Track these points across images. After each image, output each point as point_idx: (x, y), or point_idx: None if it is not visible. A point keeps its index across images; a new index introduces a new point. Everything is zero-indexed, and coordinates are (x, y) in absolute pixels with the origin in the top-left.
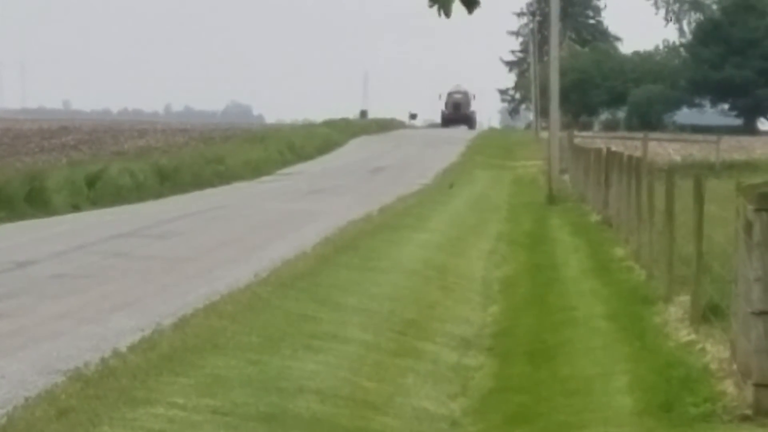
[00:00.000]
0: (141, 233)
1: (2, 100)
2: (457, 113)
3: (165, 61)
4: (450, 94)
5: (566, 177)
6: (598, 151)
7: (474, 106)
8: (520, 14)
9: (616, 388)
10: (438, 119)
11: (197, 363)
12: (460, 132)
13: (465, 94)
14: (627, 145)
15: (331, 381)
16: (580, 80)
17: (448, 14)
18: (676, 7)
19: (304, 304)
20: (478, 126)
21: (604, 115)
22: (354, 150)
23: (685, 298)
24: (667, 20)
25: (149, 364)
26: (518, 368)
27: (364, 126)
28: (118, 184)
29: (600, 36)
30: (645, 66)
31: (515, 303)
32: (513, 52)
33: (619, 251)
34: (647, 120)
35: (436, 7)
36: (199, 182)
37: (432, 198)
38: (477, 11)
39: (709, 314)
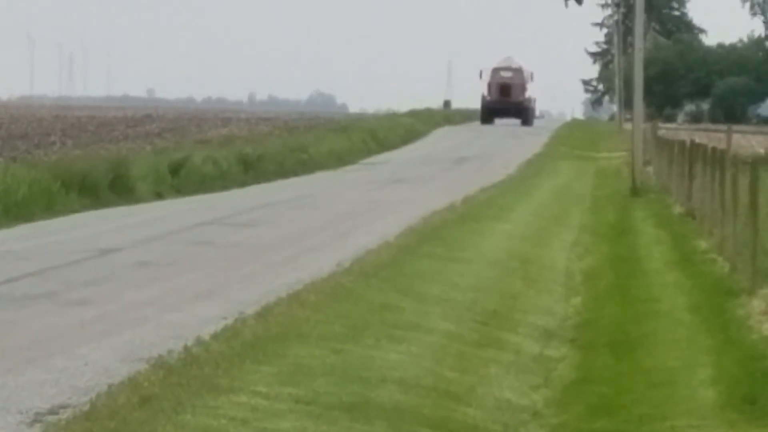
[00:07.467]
0: (224, 221)
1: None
2: (505, 100)
3: (249, 49)
4: (495, 71)
5: (650, 169)
6: (682, 143)
7: (531, 91)
8: (604, 5)
9: (698, 381)
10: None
11: (280, 352)
12: (544, 122)
13: (518, 71)
14: (711, 137)
15: (414, 371)
16: (664, 72)
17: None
18: None
19: (387, 294)
20: (559, 117)
21: (688, 107)
22: (437, 140)
23: None
24: (752, 13)
25: (232, 353)
26: (601, 360)
27: (448, 116)
28: (201, 173)
29: (684, 28)
30: (729, 58)
31: (598, 294)
32: (597, 43)
33: (703, 243)
34: (731, 112)
35: None
36: (282, 171)
37: (515, 189)
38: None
39: None
